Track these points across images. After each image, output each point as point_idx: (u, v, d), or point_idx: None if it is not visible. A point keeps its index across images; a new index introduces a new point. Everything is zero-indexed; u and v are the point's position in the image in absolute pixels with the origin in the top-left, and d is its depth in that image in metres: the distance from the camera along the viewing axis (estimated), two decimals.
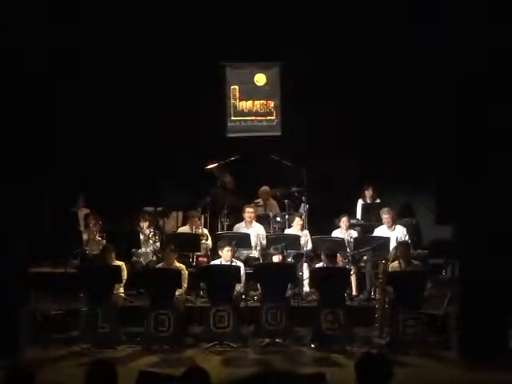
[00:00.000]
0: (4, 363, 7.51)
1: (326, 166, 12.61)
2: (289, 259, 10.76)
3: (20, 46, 8.86)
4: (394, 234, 11.25)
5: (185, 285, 9.89)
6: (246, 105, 14.08)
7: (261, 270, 9.87)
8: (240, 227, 11.64)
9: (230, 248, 10.17)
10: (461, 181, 9.08)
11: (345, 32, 12.59)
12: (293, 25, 12.76)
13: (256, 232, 11.46)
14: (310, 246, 11.29)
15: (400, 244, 10.42)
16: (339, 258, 10.39)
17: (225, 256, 10.14)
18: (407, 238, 11.24)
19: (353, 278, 10.64)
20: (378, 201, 12.78)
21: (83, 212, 12.33)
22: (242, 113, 14.08)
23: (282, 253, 10.29)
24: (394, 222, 11.46)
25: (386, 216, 11.42)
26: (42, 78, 10.31)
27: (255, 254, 11.26)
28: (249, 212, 11.62)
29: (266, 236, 11.33)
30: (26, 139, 8.71)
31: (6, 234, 8.80)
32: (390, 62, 12.72)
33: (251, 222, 11.62)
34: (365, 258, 10.97)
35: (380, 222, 11.62)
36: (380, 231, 11.39)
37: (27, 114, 9.12)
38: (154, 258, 11.21)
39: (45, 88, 10.86)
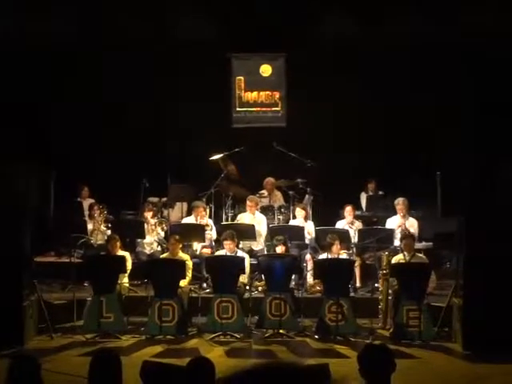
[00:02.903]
0: (9, 352, 7.59)
1: (331, 158, 12.60)
2: (292, 250, 10.76)
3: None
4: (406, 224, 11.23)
5: (189, 275, 9.91)
6: (251, 96, 14.06)
7: (265, 261, 9.88)
8: (243, 216, 11.64)
9: (232, 239, 10.19)
10: (465, 173, 9.08)
11: (349, 25, 12.61)
12: (298, 16, 12.74)
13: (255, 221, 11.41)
14: (313, 235, 11.27)
15: (404, 236, 10.42)
16: (341, 248, 10.36)
17: (228, 247, 10.17)
18: (416, 231, 11.19)
19: (357, 270, 10.65)
20: (380, 193, 12.79)
21: (88, 202, 12.34)
22: (248, 104, 14.07)
23: (285, 243, 10.29)
24: (407, 212, 11.43)
25: (400, 207, 11.37)
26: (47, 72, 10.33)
27: (259, 246, 11.30)
28: (249, 205, 11.59)
29: (270, 227, 11.34)
30: (30, 127, 8.71)
31: (11, 224, 8.81)
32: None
33: (253, 212, 11.61)
34: (370, 248, 10.96)
35: (387, 213, 11.60)
36: (393, 221, 11.35)
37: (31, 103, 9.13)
38: (159, 248, 11.25)
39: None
